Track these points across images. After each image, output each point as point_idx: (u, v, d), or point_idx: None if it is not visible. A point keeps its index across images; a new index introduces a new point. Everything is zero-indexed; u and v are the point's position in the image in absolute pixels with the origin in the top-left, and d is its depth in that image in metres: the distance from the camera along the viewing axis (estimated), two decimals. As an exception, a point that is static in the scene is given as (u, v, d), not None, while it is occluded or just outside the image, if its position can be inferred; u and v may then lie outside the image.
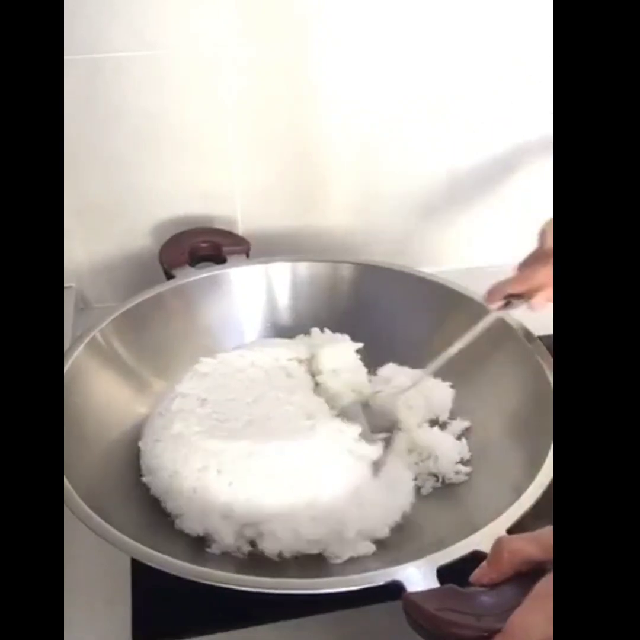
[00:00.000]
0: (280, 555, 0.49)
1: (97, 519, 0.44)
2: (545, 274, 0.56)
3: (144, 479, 0.54)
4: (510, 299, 0.59)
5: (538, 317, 0.56)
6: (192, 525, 0.50)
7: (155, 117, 0.68)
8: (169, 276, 0.67)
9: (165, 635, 0.48)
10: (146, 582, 0.49)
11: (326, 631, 0.49)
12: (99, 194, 0.72)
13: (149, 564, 0.42)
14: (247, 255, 0.71)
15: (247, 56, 0.67)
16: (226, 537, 0.49)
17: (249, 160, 0.73)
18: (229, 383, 0.59)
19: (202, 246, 0.71)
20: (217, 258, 0.70)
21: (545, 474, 0.47)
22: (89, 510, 0.45)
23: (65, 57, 0.61)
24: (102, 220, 0.74)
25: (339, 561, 0.49)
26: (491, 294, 0.60)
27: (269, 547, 0.49)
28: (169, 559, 0.42)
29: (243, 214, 0.77)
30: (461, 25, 0.69)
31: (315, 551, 0.50)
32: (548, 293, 0.57)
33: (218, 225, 0.76)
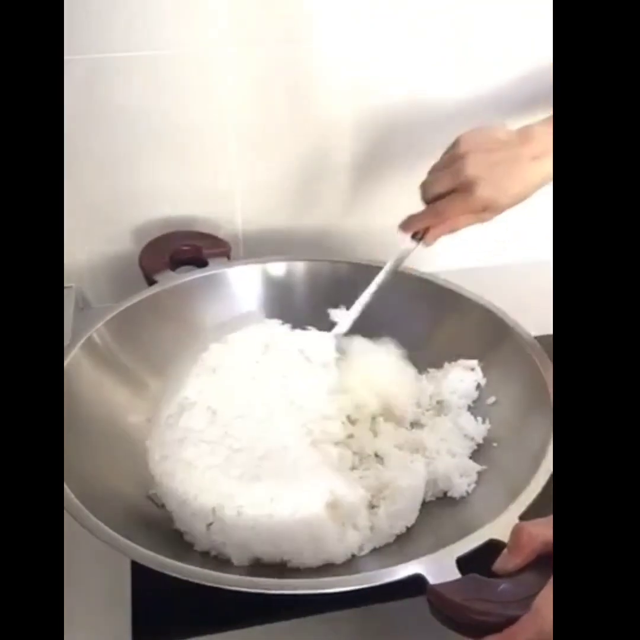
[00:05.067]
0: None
1: (95, 519, 0.44)
2: (461, 207, 0.57)
3: (152, 491, 0.53)
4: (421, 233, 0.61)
5: (537, 317, 0.56)
6: (202, 547, 0.50)
7: (155, 117, 0.68)
8: (151, 282, 0.67)
9: (165, 635, 0.48)
10: (146, 582, 0.49)
11: (331, 630, 0.49)
12: (99, 194, 0.72)
13: (149, 565, 0.42)
14: (228, 257, 0.70)
15: (247, 56, 0.67)
16: (241, 562, 0.48)
17: (248, 160, 0.73)
18: (240, 385, 0.57)
19: (183, 250, 0.70)
20: (198, 261, 0.70)
21: (547, 467, 0.48)
22: (86, 511, 0.45)
23: (65, 57, 0.61)
24: (102, 220, 0.74)
25: (362, 553, 0.49)
26: (407, 225, 0.61)
27: (297, 566, 0.48)
28: (169, 560, 0.42)
29: (243, 214, 0.77)
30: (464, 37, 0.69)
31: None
32: (451, 224, 0.58)
33: (218, 225, 0.76)
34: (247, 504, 0.48)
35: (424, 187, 0.59)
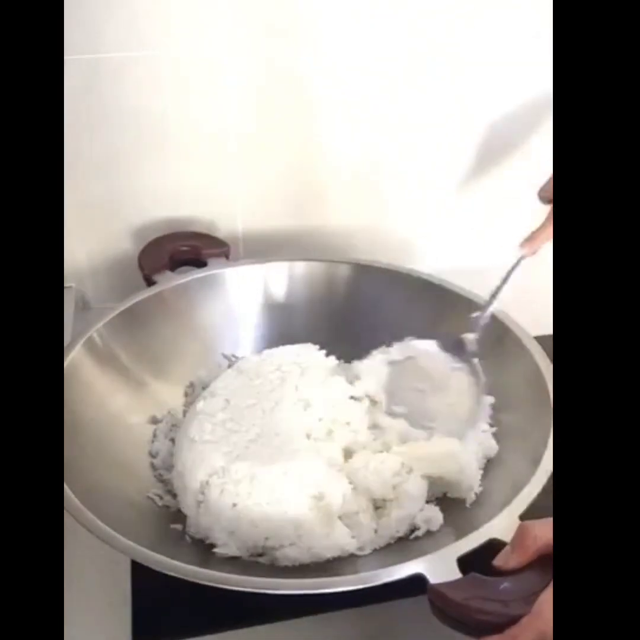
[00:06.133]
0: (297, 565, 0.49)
1: (95, 519, 0.44)
2: None
3: (152, 491, 0.54)
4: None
5: (537, 317, 0.57)
6: (197, 532, 0.50)
7: (155, 117, 0.68)
8: (150, 282, 0.67)
9: (165, 635, 0.48)
10: (146, 582, 0.49)
11: (332, 630, 0.49)
12: (99, 194, 0.72)
13: (148, 565, 0.42)
14: (227, 258, 0.70)
15: (247, 56, 0.67)
16: (232, 550, 0.49)
17: (249, 161, 0.73)
18: (259, 383, 0.59)
19: (182, 250, 0.70)
20: (197, 262, 0.70)
21: (546, 467, 0.48)
22: (86, 511, 0.44)
23: (65, 57, 0.61)
24: (102, 220, 0.74)
25: (362, 554, 0.49)
26: (531, 244, 0.60)
27: (286, 563, 0.48)
28: (169, 560, 0.42)
29: (243, 214, 0.77)
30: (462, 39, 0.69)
31: (334, 556, 0.49)
32: None
33: (218, 225, 0.76)
34: (230, 482, 0.50)
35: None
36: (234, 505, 0.49)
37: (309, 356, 0.63)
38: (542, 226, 0.60)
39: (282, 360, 0.61)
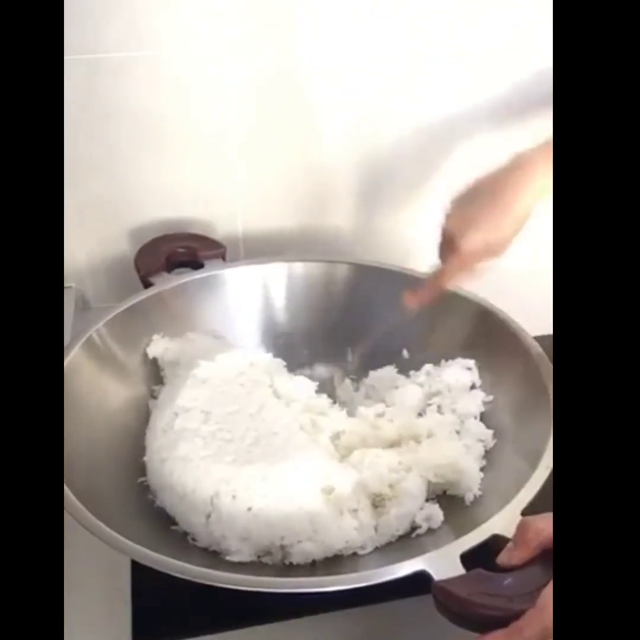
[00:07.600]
0: (312, 563, 0.49)
1: (95, 519, 0.44)
2: (453, 266, 0.58)
3: (156, 501, 0.53)
4: None
5: (537, 317, 0.57)
6: (207, 544, 0.50)
7: (155, 117, 0.68)
8: (147, 284, 0.66)
9: (165, 635, 0.48)
10: (146, 582, 0.49)
11: (333, 630, 0.49)
12: (99, 195, 0.72)
13: (149, 564, 0.42)
14: (224, 259, 0.70)
15: (247, 57, 0.67)
16: (244, 556, 0.49)
17: (249, 161, 0.73)
18: (230, 390, 0.58)
19: (178, 252, 0.70)
20: (194, 263, 0.70)
21: (547, 464, 0.48)
22: (86, 511, 0.45)
23: (65, 57, 0.61)
24: (102, 221, 0.74)
25: (364, 552, 0.49)
26: (412, 302, 0.61)
27: (299, 559, 0.48)
28: (169, 559, 0.42)
29: (243, 215, 0.77)
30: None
31: (348, 554, 0.49)
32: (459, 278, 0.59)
33: (219, 226, 0.76)
34: (241, 487, 0.49)
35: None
36: (249, 509, 0.48)
37: (261, 357, 0.63)
38: (429, 281, 0.61)
39: (238, 364, 0.61)
